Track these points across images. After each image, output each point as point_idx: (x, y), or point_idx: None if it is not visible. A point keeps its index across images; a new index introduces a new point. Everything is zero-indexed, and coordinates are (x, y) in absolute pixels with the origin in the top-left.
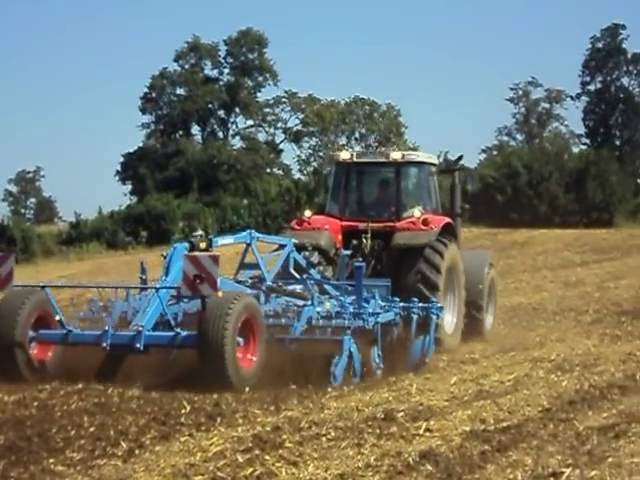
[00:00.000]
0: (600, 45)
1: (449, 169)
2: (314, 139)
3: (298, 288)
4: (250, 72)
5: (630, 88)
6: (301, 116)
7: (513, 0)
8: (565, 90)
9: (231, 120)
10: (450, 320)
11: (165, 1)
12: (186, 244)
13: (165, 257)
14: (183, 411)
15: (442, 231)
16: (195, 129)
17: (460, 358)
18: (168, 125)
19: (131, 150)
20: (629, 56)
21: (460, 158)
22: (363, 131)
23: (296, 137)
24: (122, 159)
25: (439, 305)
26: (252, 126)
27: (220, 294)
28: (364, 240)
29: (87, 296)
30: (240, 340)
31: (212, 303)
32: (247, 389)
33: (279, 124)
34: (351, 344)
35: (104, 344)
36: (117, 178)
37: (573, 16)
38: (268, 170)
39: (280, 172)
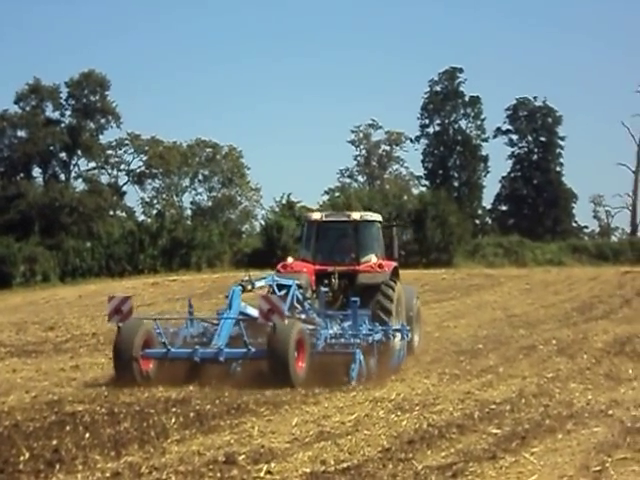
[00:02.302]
0: (438, 88)
1: (389, 225)
2: (157, 181)
3: (303, 316)
4: (92, 114)
5: (467, 131)
6: (144, 158)
7: (352, 42)
8: (405, 132)
9: (73, 162)
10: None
11: (4, 43)
12: (240, 287)
13: (227, 296)
14: (22, 458)
15: (391, 272)
16: (36, 171)
17: (302, 399)
18: (9, 167)
19: None
20: (467, 99)
21: (397, 217)
22: (206, 173)
23: (139, 179)
24: None
25: (408, 328)
26: (95, 168)
27: (286, 322)
28: (333, 280)
29: None
30: (295, 353)
31: (279, 328)
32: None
33: (122, 166)
34: (360, 355)
35: (196, 358)
36: None
37: (412, 59)
38: (111, 212)
39: (123, 214)
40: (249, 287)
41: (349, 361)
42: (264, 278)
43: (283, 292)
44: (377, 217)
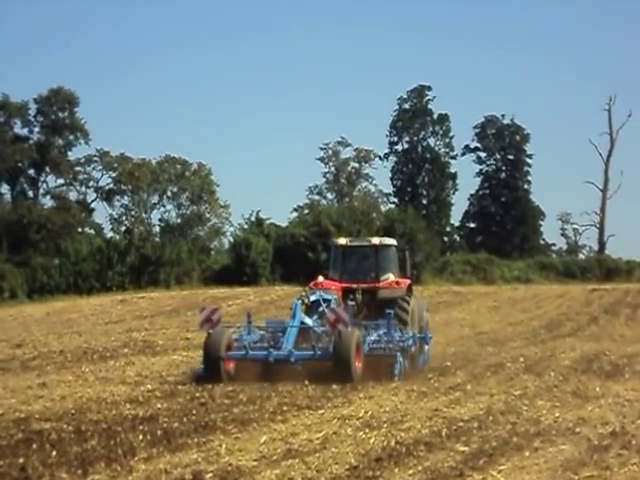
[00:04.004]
0: (407, 106)
1: (403, 248)
2: (126, 198)
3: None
4: (61, 131)
5: (436, 148)
6: (113, 175)
7: (320, 59)
8: (374, 150)
9: (41, 179)
10: None
11: None
12: (300, 301)
13: (291, 308)
14: None
15: (407, 289)
16: (4, 188)
17: (270, 417)
18: None
19: None
20: (435, 117)
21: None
22: (175, 190)
23: (108, 196)
24: None
25: (430, 335)
26: (63, 185)
27: (349, 329)
28: (357, 295)
29: None
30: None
31: (344, 334)
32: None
33: (90, 183)
34: (400, 357)
35: (270, 359)
36: None
37: (381, 77)
38: (79, 229)
39: (92, 231)
40: (306, 300)
41: (389, 362)
42: (314, 293)
43: (325, 304)
44: (393, 242)
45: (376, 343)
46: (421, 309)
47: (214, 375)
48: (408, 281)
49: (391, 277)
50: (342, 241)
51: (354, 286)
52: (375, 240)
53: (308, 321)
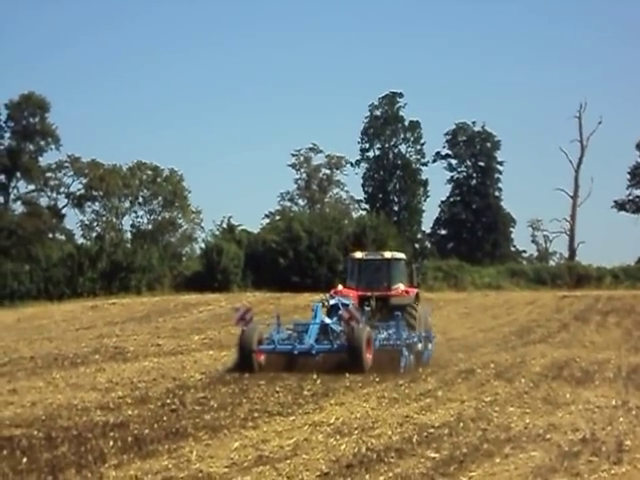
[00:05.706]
0: (378, 113)
1: (411, 261)
2: (97, 204)
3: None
4: (32, 136)
5: (407, 155)
6: (84, 181)
7: (294, 65)
8: (345, 156)
9: (12, 185)
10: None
11: None
12: (320, 303)
13: (313, 310)
14: None
15: (415, 297)
16: None
17: (241, 423)
18: None
19: None
20: (406, 124)
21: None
22: (147, 195)
23: (79, 202)
24: None
25: (433, 335)
26: (34, 191)
27: (361, 326)
28: (371, 302)
29: None
30: (365, 348)
31: (357, 330)
32: None
33: (62, 189)
34: (406, 352)
35: (295, 352)
36: None
37: (352, 84)
38: (50, 235)
39: (63, 237)
40: (326, 304)
41: (397, 357)
42: (333, 299)
43: (344, 308)
44: (403, 256)
45: (386, 340)
46: (426, 313)
47: (247, 366)
48: (416, 290)
49: (401, 286)
50: (359, 255)
51: (369, 294)
52: (387, 254)
53: (327, 320)
